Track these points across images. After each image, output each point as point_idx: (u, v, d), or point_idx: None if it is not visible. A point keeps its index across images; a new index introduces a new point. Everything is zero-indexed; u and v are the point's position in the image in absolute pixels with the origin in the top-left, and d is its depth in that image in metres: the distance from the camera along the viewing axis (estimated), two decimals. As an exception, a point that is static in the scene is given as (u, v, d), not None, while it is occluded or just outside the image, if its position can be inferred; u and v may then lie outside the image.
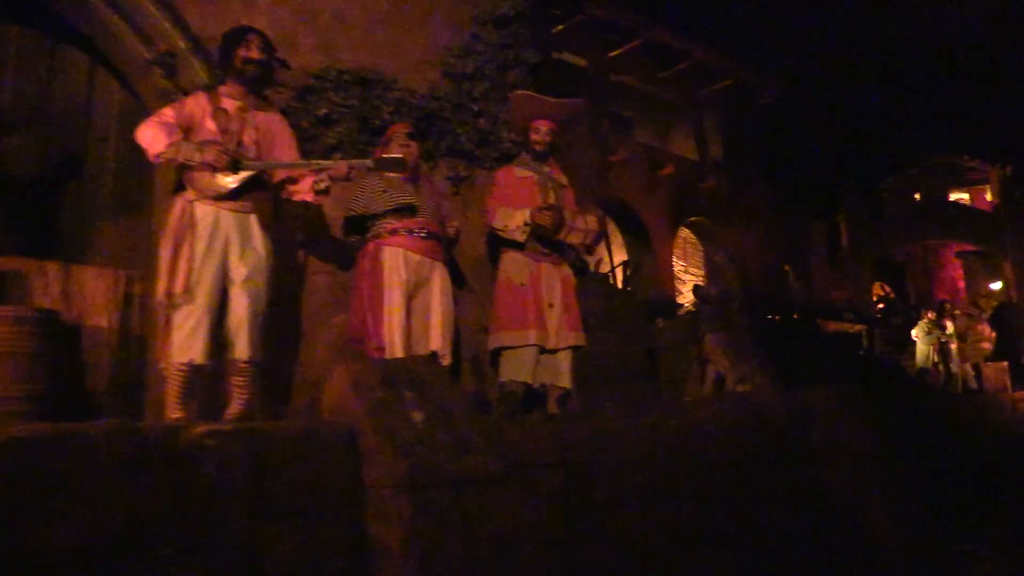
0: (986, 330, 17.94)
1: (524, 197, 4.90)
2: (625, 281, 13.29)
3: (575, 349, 4.97)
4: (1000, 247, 20.20)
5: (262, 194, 4.02)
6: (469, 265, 5.62)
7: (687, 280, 15.64)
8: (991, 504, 8.35)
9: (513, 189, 4.95)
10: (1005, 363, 15.60)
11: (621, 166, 13.82)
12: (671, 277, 15.21)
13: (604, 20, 13.55)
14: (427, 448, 3.22)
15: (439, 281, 4.62)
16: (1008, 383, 14.76)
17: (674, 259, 15.64)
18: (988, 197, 23.87)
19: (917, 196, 23.84)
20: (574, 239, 5.00)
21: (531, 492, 3.58)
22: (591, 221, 5.08)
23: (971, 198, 25.38)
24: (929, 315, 14.99)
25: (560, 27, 13.03)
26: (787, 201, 19.34)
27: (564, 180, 5.22)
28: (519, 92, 5.26)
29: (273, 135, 4.16)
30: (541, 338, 4.78)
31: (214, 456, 2.89)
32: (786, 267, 18.65)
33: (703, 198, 15.70)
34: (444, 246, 4.72)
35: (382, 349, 4.37)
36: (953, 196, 24.75)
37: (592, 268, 13.14)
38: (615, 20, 13.61)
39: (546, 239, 4.89)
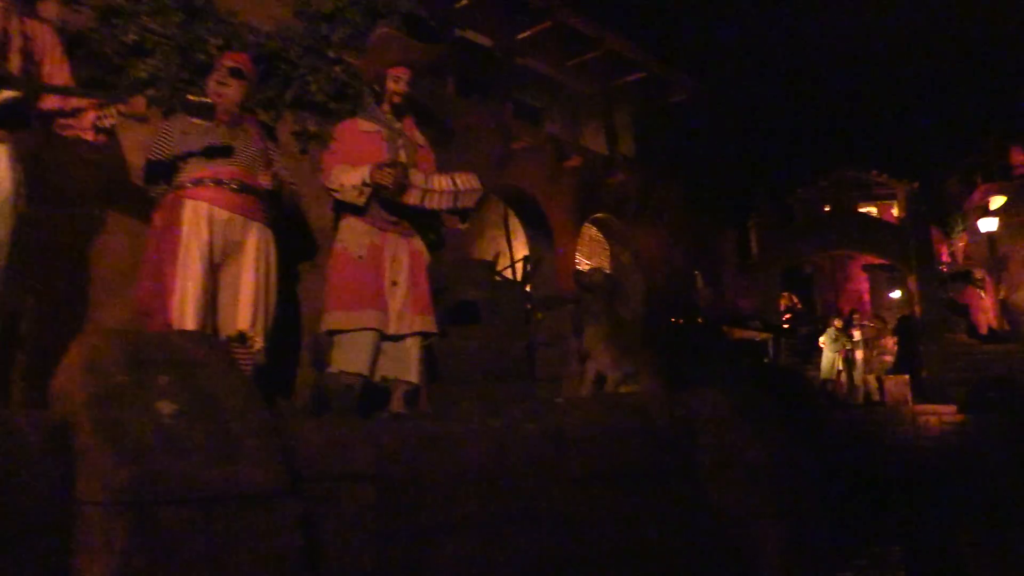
0: (889, 343, 18.11)
1: (368, 154, 4.08)
2: (525, 277, 12.60)
3: (425, 337, 4.17)
4: (906, 261, 20.22)
5: (17, 120, 3.16)
6: (317, 236, 4.81)
7: (592, 278, 15.02)
8: (888, 521, 8.07)
9: (355, 144, 4.14)
10: (907, 376, 15.71)
11: (524, 155, 13.06)
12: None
13: (513, -2, 12.81)
14: (172, 452, 2.37)
15: (255, 245, 3.79)
16: (909, 396, 14.81)
17: (578, 256, 14.97)
18: (895, 212, 24.02)
19: (827, 208, 23.81)
20: (438, 203, 4.17)
21: (327, 513, 2.77)
22: (464, 180, 4.23)
23: (879, 212, 25.59)
24: (836, 324, 15.27)
25: (464, 1, 12.23)
26: (698, 205, 18.97)
27: (421, 139, 4.43)
28: (383, 30, 4.46)
29: (42, 51, 3.32)
30: (381, 321, 3.98)
31: None
32: (695, 272, 18.27)
33: (610, 194, 15.05)
34: (265, 204, 3.86)
35: (170, 326, 3.50)
36: (862, 209, 24.85)
37: (491, 258, 12.46)
38: (524, -1, 12.88)
39: (394, 204, 4.07)
